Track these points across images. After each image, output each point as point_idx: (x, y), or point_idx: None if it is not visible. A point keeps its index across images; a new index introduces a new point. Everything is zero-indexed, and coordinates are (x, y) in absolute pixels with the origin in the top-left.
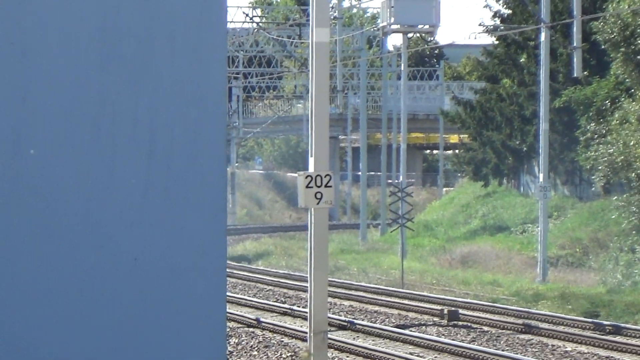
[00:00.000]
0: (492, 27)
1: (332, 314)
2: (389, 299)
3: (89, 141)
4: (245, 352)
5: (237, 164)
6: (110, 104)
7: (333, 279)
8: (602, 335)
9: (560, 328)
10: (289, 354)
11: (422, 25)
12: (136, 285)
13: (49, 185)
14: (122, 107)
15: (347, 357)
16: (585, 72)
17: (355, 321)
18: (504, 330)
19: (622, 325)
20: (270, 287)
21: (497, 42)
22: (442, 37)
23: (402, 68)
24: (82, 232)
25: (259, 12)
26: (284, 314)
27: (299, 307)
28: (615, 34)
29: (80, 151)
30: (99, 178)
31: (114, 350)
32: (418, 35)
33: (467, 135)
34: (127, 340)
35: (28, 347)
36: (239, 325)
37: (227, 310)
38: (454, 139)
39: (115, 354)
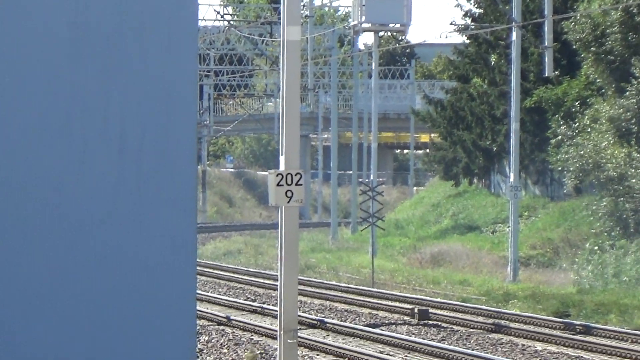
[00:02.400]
0: (463, 26)
1: (303, 312)
2: (359, 297)
3: (59, 137)
4: (215, 350)
5: (207, 162)
6: (81, 100)
7: (303, 278)
8: (573, 335)
9: (531, 328)
10: (258, 352)
11: (394, 24)
12: (106, 282)
13: (17, 180)
14: (92, 103)
15: (318, 355)
16: (556, 72)
17: (326, 320)
18: (474, 330)
19: (593, 325)
20: (240, 286)
21: (468, 42)
22: (414, 36)
23: (373, 67)
24: (51, 228)
25: (230, 10)
26: (254, 312)
27: (269, 305)
28: (586, 33)
29: (50, 147)
30: (69, 174)
31: (83, 346)
32: (389, 34)
33: (437, 135)
34: (96, 336)
35: None
36: (209, 323)
37: (198, 308)
38: (424, 138)
39: (83, 350)
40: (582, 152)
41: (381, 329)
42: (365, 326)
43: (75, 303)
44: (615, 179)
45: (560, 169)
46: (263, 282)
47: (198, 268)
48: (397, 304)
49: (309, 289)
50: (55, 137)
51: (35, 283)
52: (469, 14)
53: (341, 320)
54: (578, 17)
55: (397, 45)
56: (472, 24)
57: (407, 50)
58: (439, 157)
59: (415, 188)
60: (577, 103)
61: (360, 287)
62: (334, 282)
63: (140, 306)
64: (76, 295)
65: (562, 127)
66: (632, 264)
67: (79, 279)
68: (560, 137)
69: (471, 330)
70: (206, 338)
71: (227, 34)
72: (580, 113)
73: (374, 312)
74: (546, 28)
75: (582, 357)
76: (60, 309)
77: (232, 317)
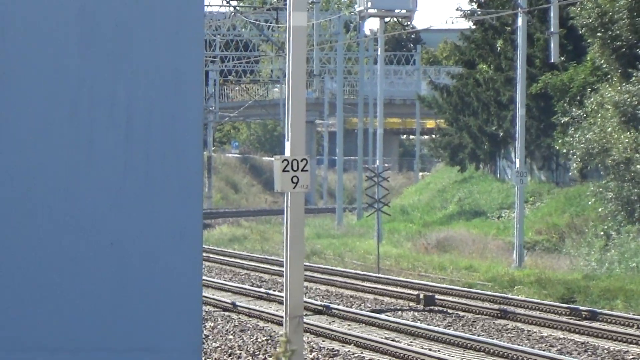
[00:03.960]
0: (469, 11)
1: (308, 298)
2: (364, 283)
3: (66, 124)
4: (221, 336)
5: (213, 148)
6: (88, 86)
7: (309, 264)
8: (578, 320)
9: (536, 313)
10: (264, 338)
11: (399, 10)
12: (112, 268)
13: (25, 167)
14: (99, 90)
15: (323, 341)
16: (562, 58)
17: (331, 306)
18: (479, 316)
19: (598, 310)
20: (246, 272)
21: (474, 27)
22: (419, 21)
23: (379, 52)
24: (59, 215)
25: None
26: (260, 298)
27: (274, 291)
28: (592, 19)
29: (57, 133)
30: (76, 160)
31: (91, 333)
32: (395, 19)
33: (443, 121)
34: (103, 323)
35: (1, 329)
36: (215, 309)
37: (203, 294)
38: (430, 124)
39: (91, 336)
40: (587, 136)
41: (387, 315)
42: (370, 312)
43: (81, 289)
44: (621, 164)
45: (565, 152)
46: (269, 268)
47: (203, 254)
48: (402, 290)
49: (315, 274)
50: (62, 123)
51: (43, 269)
52: (474, 0)
53: (347, 306)
54: (584, 3)
55: (403, 30)
56: (478, 9)
57: (413, 36)
58: (444, 143)
59: (420, 174)
60: (583, 88)
61: (366, 273)
62: (339, 268)
63: (146, 292)
64: (83, 281)
65: (569, 109)
66: (637, 249)
67: (86, 264)
68: (567, 118)
69: (477, 316)
70: (212, 324)
71: (233, 20)
72: (587, 99)
73: (380, 298)
74: (552, 13)
75: (588, 342)
76: (68, 295)
77: (237, 303)
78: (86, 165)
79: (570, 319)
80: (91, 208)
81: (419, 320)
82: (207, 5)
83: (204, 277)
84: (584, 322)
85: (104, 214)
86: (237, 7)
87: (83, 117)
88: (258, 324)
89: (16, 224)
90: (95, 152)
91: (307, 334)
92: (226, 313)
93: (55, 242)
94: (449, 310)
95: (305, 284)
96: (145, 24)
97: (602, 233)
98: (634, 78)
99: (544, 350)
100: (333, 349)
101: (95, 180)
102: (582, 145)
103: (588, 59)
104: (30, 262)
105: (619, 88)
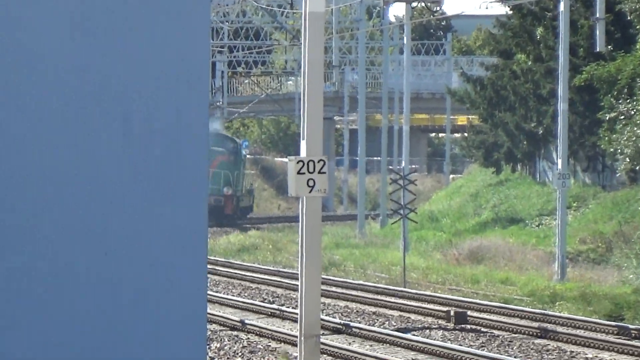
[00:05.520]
0: None
1: (326, 315)
2: (389, 299)
3: (57, 119)
4: (227, 358)
5: None
6: (81, 77)
7: (327, 277)
8: (627, 340)
9: (580, 332)
10: None
11: None
12: (106, 281)
13: (9, 168)
14: (94, 80)
15: None
16: (608, 47)
17: (352, 324)
18: (517, 335)
19: None
20: (256, 286)
21: (511, 13)
22: (450, 6)
23: (405, 41)
24: (49, 220)
25: None
26: (272, 315)
27: (288, 307)
28: None
29: (46, 130)
30: (68, 160)
31: (86, 350)
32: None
33: (476, 117)
34: (99, 341)
35: None
36: (222, 328)
37: (208, 310)
38: (462, 120)
39: (87, 354)
40: (638, 132)
41: (413, 334)
42: (395, 331)
43: (72, 304)
44: None
45: (613, 152)
46: (282, 282)
47: (209, 266)
48: (431, 305)
49: (333, 289)
50: (52, 119)
51: (35, 280)
52: None
53: (369, 324)
54: None
55: (432, 17)
56: None
57: (443, 23)
58: (478, 142)
59: (451, 176)
60: (632, 79)
61: (391, 287)
62: (361, 282)
63: (145, 308)
64: (73, 295)
65: (617, 104)
66: None
67: (77, 276)
68: (614, 114)
69: (514, 335)
70: (217, 345)
71: (243, 5)
72: (636, 91)
73: (406, 315)
74: None
75: None
76: (60, 309)
77: (247, 321)
78: (78, 166)
79: (619, 338)
80: (83, 213)
81: (449, 340)
82: None
83: (209, 292)
84: (633, 342)
85: (96, 220)
86: None
87: (75, 112)
88: (270, 344)
89: (4, 229)
90: (89, 150)
91: (324, 355)
92: (234, 332)
93: (45, 250)
94: (483, 329)
95: (323, 299)
96: (146, 8)
97: None
98: None
99: None
100: None
101: (88, 183)
102: (631, 143)
103: (637, 47)
104: (22, 271)
105: None
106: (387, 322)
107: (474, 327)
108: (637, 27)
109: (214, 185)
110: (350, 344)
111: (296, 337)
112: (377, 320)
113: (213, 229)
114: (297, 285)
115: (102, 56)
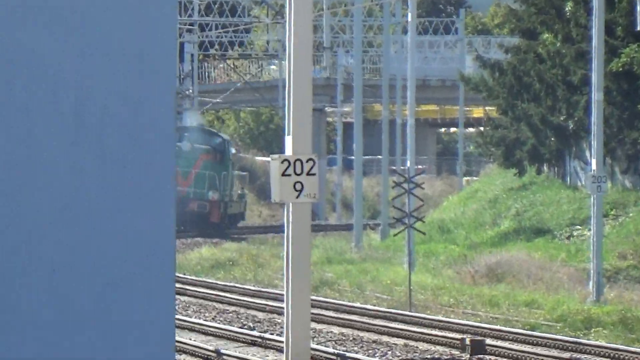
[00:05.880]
0: None
1: (317, 344)
2: (391, 324)
3: None
4: None
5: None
6: (25, 63)
7: (318, 298)
8: None
9: None
10: None
11: None
12: (54, 302)
13: None
14: (39, 67)
15: None
16: None
17: (347, 354)
18: None
19: None
20: (234, 309)
21: None
22: None
23: (410, 18)
24: None
25: None
26: (253, 344)
27: (272, 334)
28: None
29: None
30: (9, 159)
31: None
32: None
33: (495, 108)
34: None
35: None
36: (193, 359)
37: (177, 338)
38: (477, 112)
39: None
40: None
41: None
42: None
43: (21, 329)
44: None
45: None
46: (264, 304)
47: (178, 285)
48: (442, 332)
49: (325, 312)
50: None
51: None
52: None
53: (368, 355)
54: None
55: None
56: None
57: None
58: (497, 138)
59: (465, 179)
60: None
61: (393, 311)
62: (358, 304)
63: (101, 337)
64: (21, 320)
65: None
66: None
67: (21, 297)
68: None
69: None
70: None
71: None
72: None
73: (412, 343)
74: None
75: None
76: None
77: (223, 351)
78: (23, 165)
79: None
80: (28, 223)
81: None
82: None
83: (178, 316)
84: None
85: (44, 230)
86: None
87: (18, 102)
88: None
89: None
90: (35, 148)
91: None
92: None
93: None
94: None
95: (313, 325)
96: None
97: None
98: None
99: None
100: None
101: (35, 184)
102: None
103: None
104: None
105: None
106: (389, 352)
107: (493, 358)
108: None
109: (197, 189)
110: None
111: None
112: (378, 350)
113: (191, 239)
114: (283, 308)
115: (51, 38)
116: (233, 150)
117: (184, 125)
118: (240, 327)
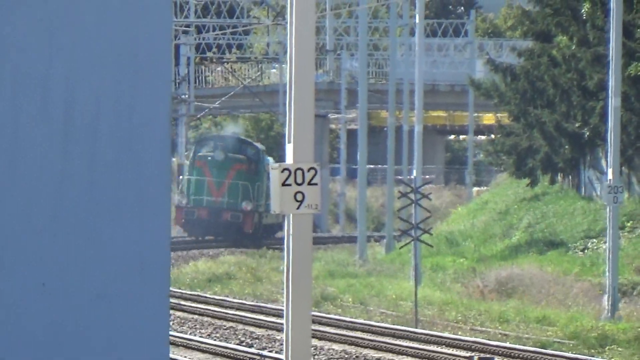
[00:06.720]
0: None
1: None
2: (396, 341)
3: None
4: None
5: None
6: (13, 62)
7: (319, 314)
8: None
9: None
10: None
11: None
12: (44, 316)
13: None
14: (28, 67)
15: None
16: None
17: None
18: None
19: None
20: (231, 325)
21: None
22: None
23: (417, 20)
24: None
25: None
26: None
27: (270, 352)
28: None
29: None
30: None
31: None
32: None
33: (506, 115)
34: None
35: None
36: None
37: (172, 355)
38: (488, 119)
39: None
40: None
41: None
42: None
43: (11, 343)
44: None
45: None
46: (263, 320)
47: (172, 300)
48: (449, 350)
49: (327, 329)
50: None
51: None
52: None
53: None
54: None
55: None
56: None
57: None
58: (508, 146)
59: (475, 189)
60: None
61: (399, 327)
62: (361, 321)
63: (90, 351)
64: (11, 335)
65: None
66: None
67: (9, 310)
68: None
69: None
70: None
71: None
72: None
73: None
74: None
75: None
76: None
77: None
78: (10, 173)
79: None
80: (15, 233)
81: None
82: None
83: (172, 332)
84: None
85: (32, 242)
86: None
87: (5, 106)
88: None
89: None
90: (22, 154)
91: None
92: None
93: None
94: None
95: (314, 342)
96: None
97: None
98: None
99: None
100: None
101: (20, 194)
102: None
103: None
104: None
105: None
106: None
107: None
108: None
109: (230, 199)
110: None
111: None
112: None
113: (176, 252)
114: (282, 325)
115: (40, 40)
116: (270, 160)
117: (219, 134)
118: (238, 344)
